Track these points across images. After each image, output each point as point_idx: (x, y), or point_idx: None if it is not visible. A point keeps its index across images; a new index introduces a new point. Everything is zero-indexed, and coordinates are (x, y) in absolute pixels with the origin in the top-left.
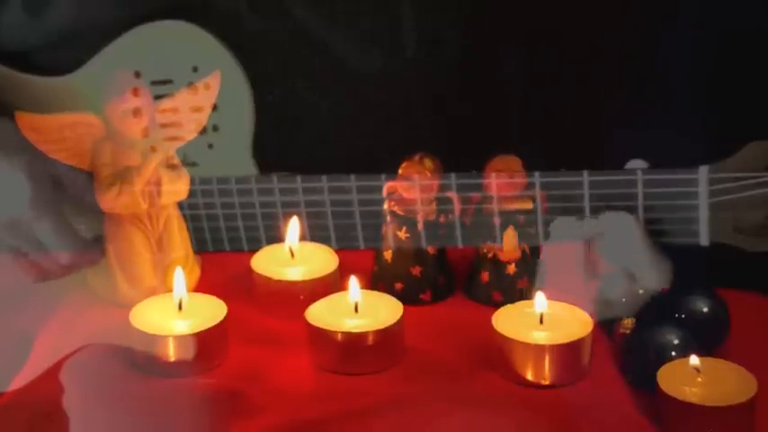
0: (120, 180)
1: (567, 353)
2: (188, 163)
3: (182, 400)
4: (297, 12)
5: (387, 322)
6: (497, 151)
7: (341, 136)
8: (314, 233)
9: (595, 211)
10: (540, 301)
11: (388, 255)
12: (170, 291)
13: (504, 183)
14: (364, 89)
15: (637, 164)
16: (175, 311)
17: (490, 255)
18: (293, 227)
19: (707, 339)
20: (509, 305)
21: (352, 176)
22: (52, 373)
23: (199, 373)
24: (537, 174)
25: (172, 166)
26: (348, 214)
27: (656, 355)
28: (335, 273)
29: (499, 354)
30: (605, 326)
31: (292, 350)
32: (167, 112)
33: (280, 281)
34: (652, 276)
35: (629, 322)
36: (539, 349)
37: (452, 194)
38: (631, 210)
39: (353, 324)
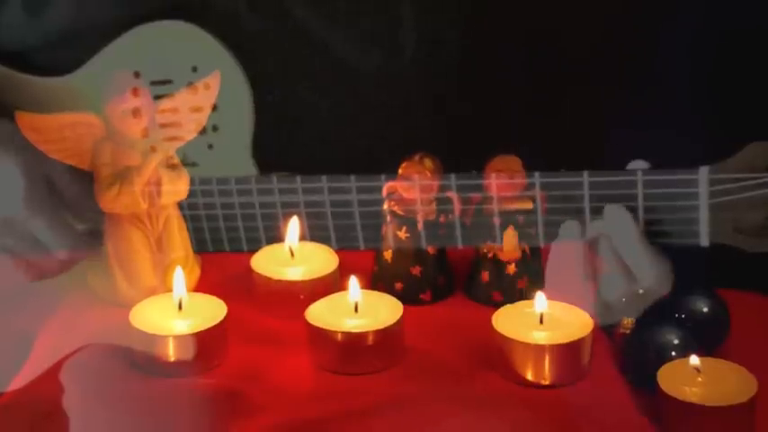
0: (120, 180)
1: (567, 353)
2: (188, 163)
3: (182, 400)
4: (297, 12)
5: (387, 322)
6: (497, 151)
7: (341, 136)
8: (314, 233)
9: (595, 211)
10: (540, 301)
11: (388, 255)
12: (170, 291)
13: (504, 183)
14: (364, 89)
15: (638, 164)
16: (175, 311)
17: (490, 255)
18: (293, 227)
19: (707, 339)
20: (509, 305)
21: (352, 176)
22: (52, 373)
23: (199, 373)
24: (537, 174)
25: (172, 166)
26: (348, 214)
27: (656, 355)
28: (335, 273)
29: (499, 354)
30: (606, 326)
31: (292, 350)
32: (167, 112)
33: (280, 281)
34: (651, 275)
35: (629, 322)
36: (539, 349)
37: (452, 194)
38: (632, 210)
39: (353, 324)
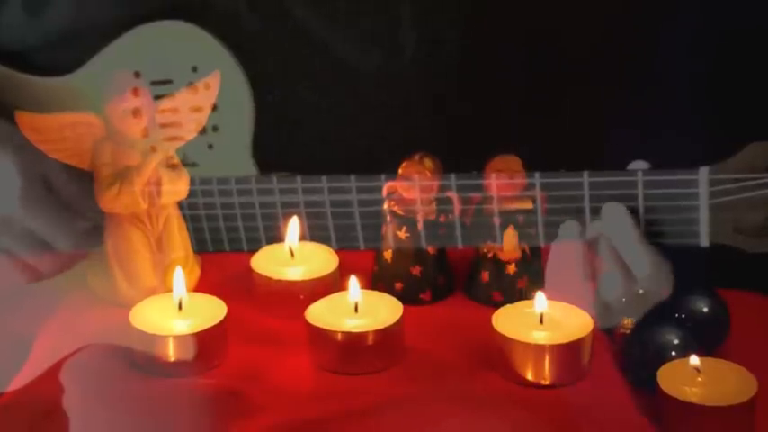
0: (120, 180)
1: (567, 353)
2: (188, 163)
3: (182, 400)
4: (297, 12)
5: (387, 322)
6: (497, 151)
7: (341, 136)
8: (314, 233)
9: (595, 211)
10: (540, 301)
11: (388, 255)
12: (170, 290)
13: (504, 183)
14: (364, 89)
15: (639, 165)
16: (175, 311)
17: (490, 255)
18: (293, 227)
19: (707, 339)
20: (509, 305)
21: (352, 176)
22: (52, 373)
23: (199, 373)
24: (537, 174)
25: (172, 166)
26: (348, 214)
27: (656, 355)
28: (335, 273)
29: (499, 354)
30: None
31: (292, 350)
32: (167, 112)
33: (280, 281)
34: (650, 274)
35: (628, 322)
36: (539, 349)
37: (452, 194)
38: (632, 210)
39: (353, 324)
